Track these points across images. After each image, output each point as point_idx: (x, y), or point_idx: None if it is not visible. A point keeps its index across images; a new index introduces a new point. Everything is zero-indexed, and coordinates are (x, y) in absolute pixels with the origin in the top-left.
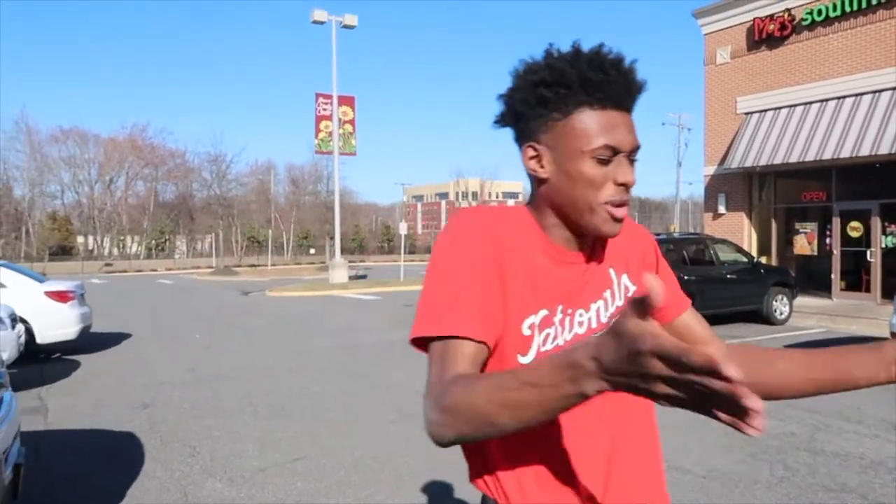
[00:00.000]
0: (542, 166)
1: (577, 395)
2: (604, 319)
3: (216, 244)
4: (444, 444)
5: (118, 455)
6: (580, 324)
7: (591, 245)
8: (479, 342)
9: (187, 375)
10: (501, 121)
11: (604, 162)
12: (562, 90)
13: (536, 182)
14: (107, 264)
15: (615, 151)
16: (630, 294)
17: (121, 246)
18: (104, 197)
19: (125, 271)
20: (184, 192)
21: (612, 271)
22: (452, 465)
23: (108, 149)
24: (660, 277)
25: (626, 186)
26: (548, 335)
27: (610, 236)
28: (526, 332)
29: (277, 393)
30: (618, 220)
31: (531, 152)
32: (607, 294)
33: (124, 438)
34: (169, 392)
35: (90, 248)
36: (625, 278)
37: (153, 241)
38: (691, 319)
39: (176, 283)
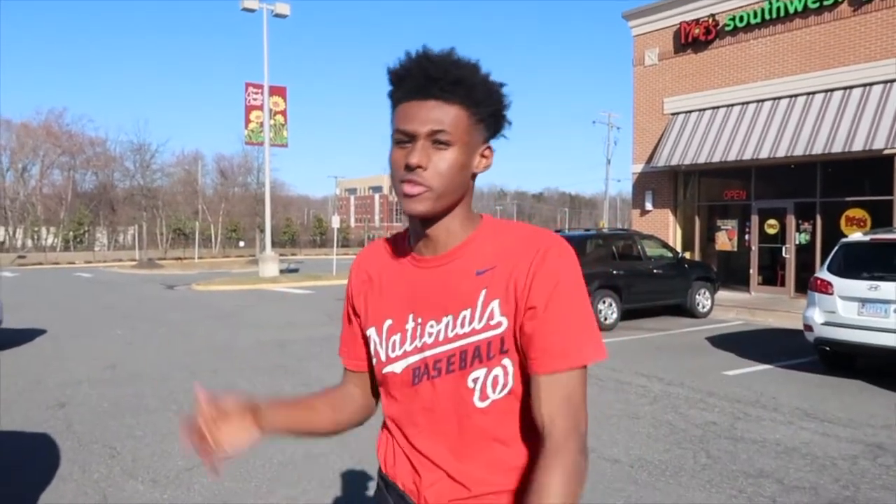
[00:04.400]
0: None
1: None
2: (451, 334)
3: (139, 236)
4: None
5: (31, 458)
6: (430, 334)
7: (455, 249)
8: None
9: (107, 373)
10: None
11: (402, 146)
12: (391, 90)
13: None
14: (20, 256)
15: (410, 136)
16: (493, 322)
17: (35, 237)
18: (16, 186)
19: (40, 264)
20: (104, 182)
21: (483, 292)
22: None
23: (21, 135)
24: (545, 304)
25: (408, 167)
26: (394, 342)
27: (408, 213)
28: (372, 339)
29: None
30: (407, 196)
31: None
32: (466, 312)
33: (38, 440)
34: (87, 391)
35: (1, 239)
36: (495, 304)
37: (71, 233)
38: (543, 389)
39: (95, 277)
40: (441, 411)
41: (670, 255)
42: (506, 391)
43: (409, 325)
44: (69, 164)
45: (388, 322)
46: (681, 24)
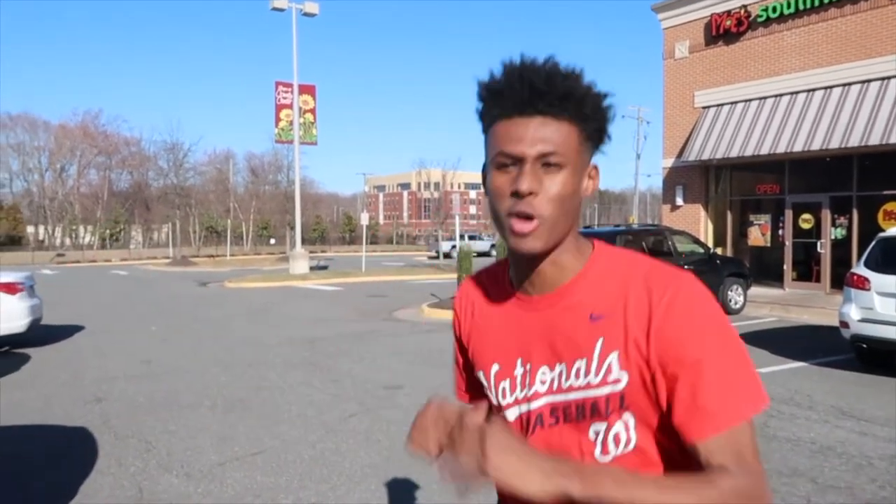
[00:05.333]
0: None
1: None
2: (565, 385)
3: (173, 234)
4: None
5: (70, 452)
6: (542, 382)
7: (564, 287)
8: None
9: (142, 369)
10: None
11: (505, 170)
12: (485, 108)
13: None
14: (58, 255)
15: (515, 159)
16: (611, 378)
17: (73, 236)
18: (55, 185)
19: (78, 262)
20: (139, 181)
21: (600, 342)
22: (411, 460)
23: (59, 136)
24: (684, 359)
25: (517, 195)
26: (504, 389)
27: (519, 252)
28: (483, 384)
29: (236, 386)
30: (517, 235)
31: (483, 173)
32: (581, 363)
33: (76, 434)
34: (123, 386)
35: (41, 238)
36: (613, 358)
37: (107, 231)
38: (703, 456)
39: (131, 274)
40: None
41: (701, 250)
42: (630, 448)
43: (518, 372)
44: (105, 164)
45: (496, 367)
46: (712, 15)
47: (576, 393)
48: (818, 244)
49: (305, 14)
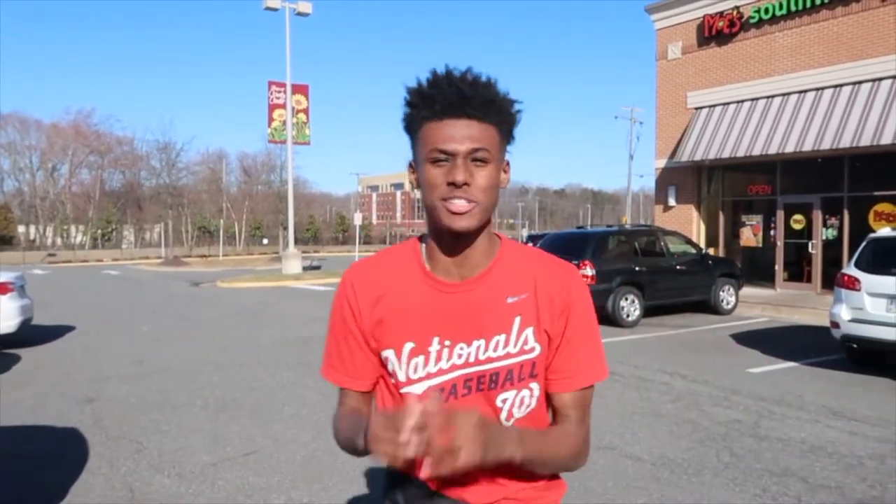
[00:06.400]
0: (414, 179)
1: None
2: (482, 357)
3: (165, 234)
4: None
5: (61, 452)
6: (459, 356)
7: (482, 274)
8: None
9: (134, 369)
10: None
11: (439, 164)
12: (412, 110)
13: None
14: (50, 254)
15: (448, 154)
16: (527, 347)
17: (65, 236)
18: (46, 185)
19: (69, 262)
20: (131, 181)
21: (518, 319)
22: None
23: (51, 135)
24: (570, 335)
25: (454, 185)
26: (416, 364)
27: (453, 230)
28: (390, 361)
29: (228, 386)
30: (455, 213)
31: (410, 171)
32: (499, 337)
33: (67, 434)
34: (115, 386)
35: (32, 237)
36: (529, 331)
37: (99, 231)
38: (569, 403)
39: (123, 274)
40: None
41: (694, 251)
42: (528, 410)
43: (434, 348)
44: (97, 164)
45: (410, 345)
46: (704, 17)
47: (494, 363)
48: (809, 245)
49: (299, 14)
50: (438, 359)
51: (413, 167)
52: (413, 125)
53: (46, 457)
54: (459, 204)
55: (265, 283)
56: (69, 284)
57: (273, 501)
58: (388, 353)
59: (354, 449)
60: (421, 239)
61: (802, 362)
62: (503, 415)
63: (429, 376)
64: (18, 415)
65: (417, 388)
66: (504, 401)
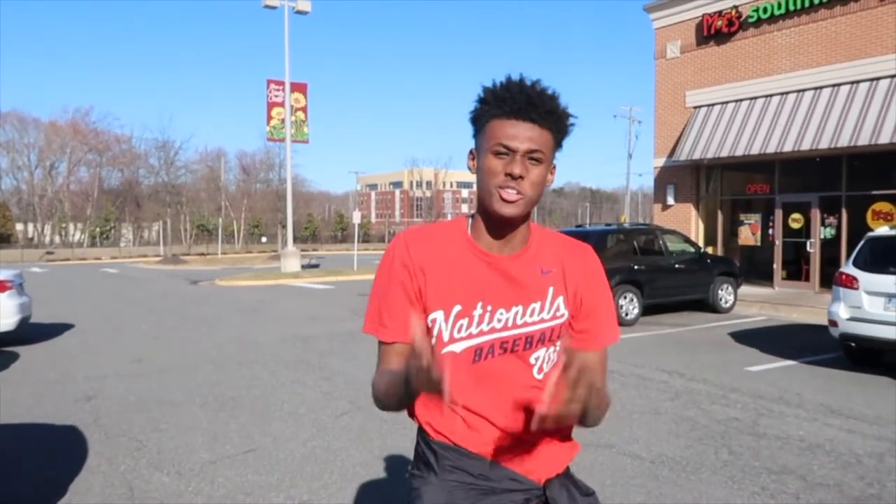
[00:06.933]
0: (473, 165)
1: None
2: (519, 322)
3: (164, 232)
4: None
5: (60, 450)
6: (499, 320)
7: (523, 251)
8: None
9: (133, 367)
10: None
11: (500, 157)
12: (484, 106)
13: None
14: (48, 252)
15: (509, 150)
16: (559, 314)
17: (63, 234)
18: (45, 183)
19: (68, 260)
20: (130, 179)
21: (552, 289)
22: (403, 457)
23: (49, 133)
24: (592, 303)
25: (510, 176)
26: (461, 325)
27: (501, 215)
28: (438, 321)
29: (227, 384)
30: (506, 201)
31: (470, 155)
32: (535, 305)
33: (67, 432)
34: (114, 384)
35: (30, 235)
36: (560, 300)
37: (97, 229)
38: (591, 360)
39: (121, 272)
40: (496, 382)
41: (692, 249)
42: (551, 365)
43: (477, 312)
44: (95, 162)
45: (458, 307)
46: (703, 16)
47: (529, 327)
48: (807, 243)
49: (298, 12)
50: (480, 321)
51: (474, 154)
52: (482, 119)
53: (45, 455)
54: (511, 193)
55: (264, 282)
56: (67, 282)
57: (272, 499)
58: (437, 315)
59: (398, 400)
60: (469, 218)
61: (801, 361)
62: (535, 370)
63: (470, 336)
64: (16, 412)
65: (457, 348)
66: (537, 358)
